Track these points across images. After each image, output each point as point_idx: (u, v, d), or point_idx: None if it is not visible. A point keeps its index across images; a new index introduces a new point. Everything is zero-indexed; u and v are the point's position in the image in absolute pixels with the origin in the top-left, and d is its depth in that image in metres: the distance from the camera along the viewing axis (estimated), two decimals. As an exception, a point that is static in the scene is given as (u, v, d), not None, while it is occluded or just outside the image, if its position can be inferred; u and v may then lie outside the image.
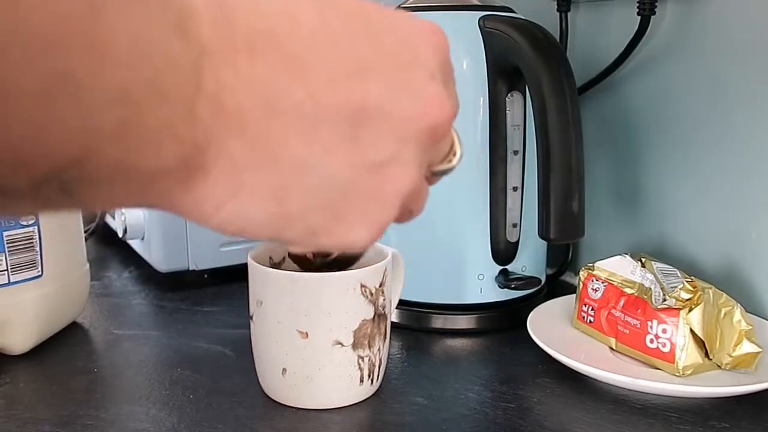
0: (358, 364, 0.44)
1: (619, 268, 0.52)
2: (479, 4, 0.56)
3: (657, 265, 0.52)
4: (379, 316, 0.45)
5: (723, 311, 0.47)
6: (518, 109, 0.56)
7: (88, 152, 0.18)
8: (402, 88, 0.23)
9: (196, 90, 0.19)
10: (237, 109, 0.20)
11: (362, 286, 0.43)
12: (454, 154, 0.28)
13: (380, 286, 0.45)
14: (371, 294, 0.44)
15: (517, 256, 0.57)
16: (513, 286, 0.56)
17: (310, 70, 0.21)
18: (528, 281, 0.57)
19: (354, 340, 0.44)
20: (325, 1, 0.23)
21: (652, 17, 0.60)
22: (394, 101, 0.23)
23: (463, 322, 0.58)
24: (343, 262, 0.44)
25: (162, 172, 0.20)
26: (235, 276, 0.66)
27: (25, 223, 0.51)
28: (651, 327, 0.47)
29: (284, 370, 0.44)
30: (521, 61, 0.51)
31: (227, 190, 0.22)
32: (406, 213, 0.28)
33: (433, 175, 0.28)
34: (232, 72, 0.20)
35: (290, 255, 0.45)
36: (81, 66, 0.16)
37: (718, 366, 0.47)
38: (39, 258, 0.52)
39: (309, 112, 0.21)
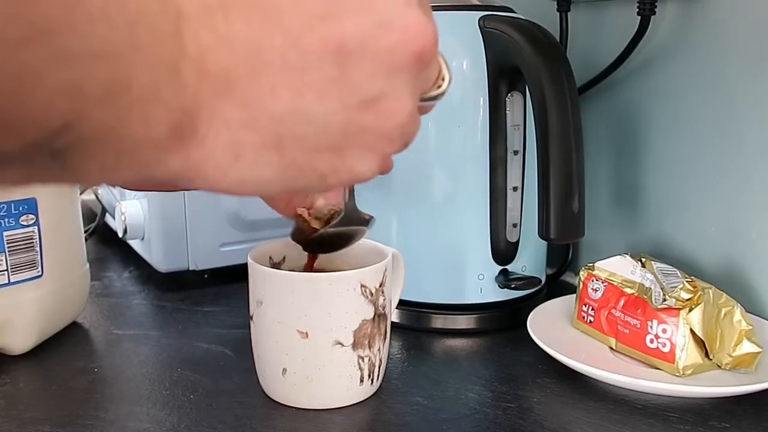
0: (358, 364, 0.44)
1: (619, 268, 0.52)
2: (479, 4, 0.56)
3: (657, 265, 0.52)
4: (379, 316, 0.45)
5: (723, 311, 0.47)
6: (518, 109, 0.56)
7: (75, 116, 0.18)
8: (379, 20, 0.23)
9: (179, 53, 0.20)
10: (222, 69, 0.21)
11: (362, 286, 0.43)
12: (443, 79, 0.28)
13: (380, 286, 0.45)
14: (371, 294, 0.44)
15: (517, 256, 0.57)
16: (513, 286, 0.56)
17: (285, 19, 0.21)
18: (528, 281, 0.57)
19: (354, 340, 0.44)
20: None
21: (652, 17, 0.60)
22: (374, 34, 0.23)
23: (463, 322, 0.58)
24: (344, 236, 0.44)
25: (154, 141, 0.20)
26: (235, 276, 0.66)
27: (25, 223, 0.51)
28: (651, 327, 0.47)
29: (284, 370, 0.44)
30: (521, 61, 0.51)
31: (228, 153, 0.22)
32: (402, 144, 0.28)
33: (423, 102, 0.28)
34: (211, 33, 0.20)
35: (292, 235, 0.45)
36: (56, 18, 0.17)
37: (718, 366, 0.47)
38: (39, 258, 0.52)
39: (293, 61, 0.22)
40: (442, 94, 0.28)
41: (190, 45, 0.20)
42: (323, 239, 0.43)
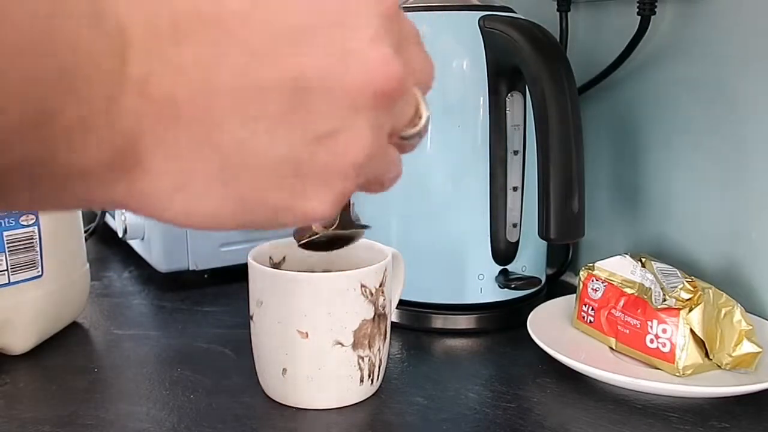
0: (358, 364, 0.44)
1: (619, 268, 0.52)
2: (479, 4, 0.56)
3: (657, 265, 0.52)
4: (379, 316, 0.45)
5: (723, 311, 0.47)
6: (518, 109, 0.56)
7: None
8: (341, 55, 0.22)
9: (119, 81, 0.19)
10: (167, 97, 0.20)
11: (362, 286, 0.43)
12: (420, 117, 0.26)
13: (380, 286, 0.45)
14: (371, 294, 0.44)
15: (517, 256, 0.57)
16: (513, 286, 0.56)
17: (240, 48, 0.20)
18: (528, 281, 0.57)
19: (354, 340, 0.44)
20: None
21: (652, 17, 0.60)
22: (333, 70, 0.22)
23: (463, 322, 0.58)
24: (344, 238, 0.44)
25: (90, 170, 0.19)
26: (235, 276, 0.66)
27: (25, 223, 0.51)
28: (651, 327, 0.47)
29: (284, 370, 0.44)
30: (521, 61, 0.51)
31: (173, 182, 0.21)
32: (374, 183, 0.27)
33: (402, 140, 0.27)
34: (158, 59, 0.19)
35: (294, 235, 0.45)
36: None
37: (718, 366, 0.47)
38: (39, 258, 0.52)
39: (243, 92, 0.21)
40: (419, 133, 0.27)
41: (134, 71, 0.19)
42: (321, 240, 0.43)
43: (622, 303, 0.50)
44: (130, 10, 0.19)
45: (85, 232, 0.75)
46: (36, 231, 0.51)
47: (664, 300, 0.48)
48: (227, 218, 0.23)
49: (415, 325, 0.58)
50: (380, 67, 0.23)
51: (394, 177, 0.28)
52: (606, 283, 0.52)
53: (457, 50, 0.55)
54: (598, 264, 0.54)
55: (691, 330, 0.46)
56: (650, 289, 0.49)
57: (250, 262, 0.45)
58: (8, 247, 0.50)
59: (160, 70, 0.19)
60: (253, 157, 0.22)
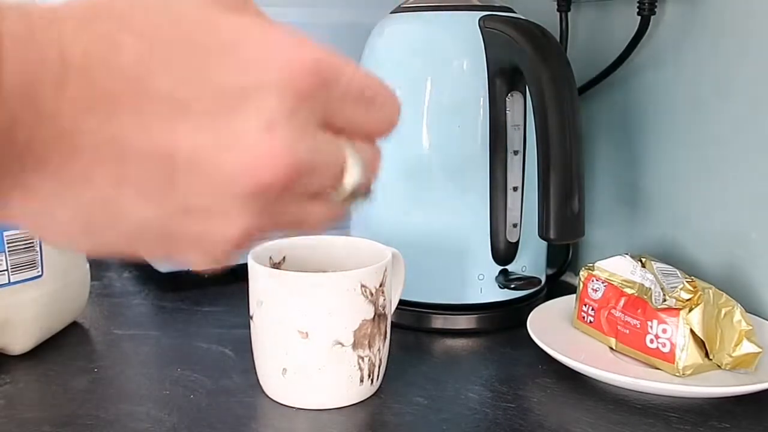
0: (358, 364, 0.44)
1: (619, 268, 0.52)
2: (479, 4, 0.56)
3: (657, 265, 0.52)
4: (380, 316, 0.45)
5: (723, 311, 0.47)
6: (518, 109, 0.56)
7: None
8: (225, 139, 0.20)
9: None
10: (33, 144, 0.19)
11: (362, 286, 0.43)
12: (340, 183, 0.24)
13: (380, 286, 0.45)
14: (371, 294, 0.44)
15: (517, 256, 0.57)
16: (513, 286, 0.56)
17: (119, 110, 0.20)
18: (528, 281, 0.57)
19: (354, 340, 0.44)
20: (159, 22, 0.20)
21: (652, 17, 0.60)
22: (211, 153, 0.20)
23: (464, 322, 0.58)
24: None
25: None
26: (236, 276, 0.66)
27: (25, 223, 0.51)
28: (651, 327, 0.47)
29: (284, 370, 0.44)
30: (521, 61, 0.51)
31: (39, 219, 0.21)
32: (284, 231, 0.26)
33: (334, 200, 0.25)
34: (32, 107, 0.19)
35: None
36: None
37: (718, 366, 0.47)
38: (39, 258, 0.52)
39: (114, 154, 0.20)
40: (349, 196, 0.25)
41: (1, 117, 0.19)
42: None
43: (622, 303, 0.50)
44: (15, 49, 0.19)
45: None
46: (36, 231, 0.51)
47: (664, 300, 0.48)
48: (99, 253, 0.23)
49: (415, 325, 0.58)
50: (265, 159, 0.21)
51: (315, 225, 0.26)
52: (606, 283, 0.52)
53: (457, 50, 0.55)
54: (598, 264, 0.54)
55: (691, 330, 0.46)
56: (650, 289, 0.49)
57: (251, 262, 0.45)
58: (8, 247, 0.50)
59: (31, 119, 0.19)
60: (117, 216, 0.21)
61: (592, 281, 0.53)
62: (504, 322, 0.58)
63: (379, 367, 0.46)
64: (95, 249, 0.23)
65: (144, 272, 0.72)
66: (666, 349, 0.47)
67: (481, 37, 0.54)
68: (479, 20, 0.54)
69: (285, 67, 0.21)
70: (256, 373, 0.47)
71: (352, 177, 0.25)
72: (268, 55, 0.21)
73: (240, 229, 0.22)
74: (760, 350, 0.46)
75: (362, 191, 0.26)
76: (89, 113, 0.20)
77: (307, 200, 0.24)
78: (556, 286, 0.67)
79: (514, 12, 0.57)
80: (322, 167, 0.23)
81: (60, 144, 0.20)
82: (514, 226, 0.57)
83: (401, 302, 0.52)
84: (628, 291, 0.50)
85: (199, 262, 0.23)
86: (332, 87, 0.23)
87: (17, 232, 0.50)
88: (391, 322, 0.48)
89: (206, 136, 0.20)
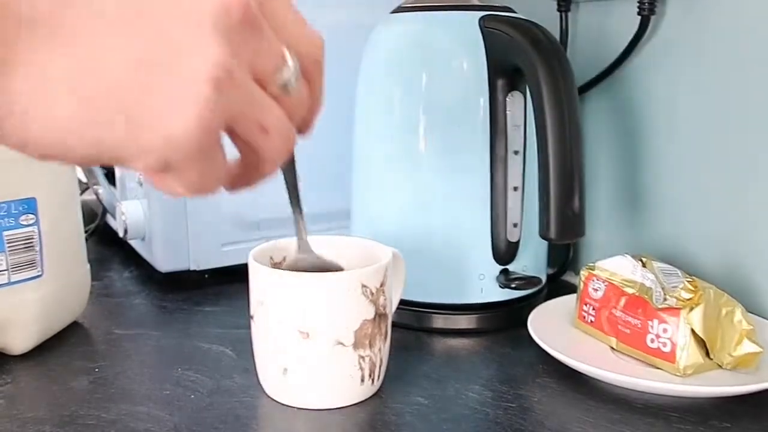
0: (359, 363, 0.44)
1: (619, 267, 0.52)
2: (479, 4, 0.56)
3: (658, 265, 0.52)
4: (380, 315, 0.45)
5: (724, 311, 0.47)
6: (518, 109, 0.56)
7: None
8: None
9: None
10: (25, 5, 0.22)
11: (363, 286, 0.43)
12: (286, 64, 0.28)
13: (381, 286, 0.45)
14: (372, 294, 0.44)
15: (517, 255, 0.57)
16: (514, 285, 0.56)
17: None
18: (529, 281, 0.57)
19: (355, 340, 0.44)
20: None
21: (653, 17, 0.60)
22: None
23: (464, 321, 0.58)
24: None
25: None
26: (236, 276, 0.66)
27: (25, 223, 0.51)
28: (652, 327, 0.47)
29: (285, 369, 0.44)
30: (521, 61, 0.51)
31: (30, 88, 0.23)
32: (247, 123, 0.27)
33: (278, 92, 0.27)
34: None
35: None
36: None
37: (719, 366, 0.47)
38: (39, 258, 0.52)
39: (98, 4, 0.23)
40: (287, 81, 0.28)
41: None
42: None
43: (622, 303, 0.50)
44: None
45: (86, 232, 0.75)
46: (36, 231, 0.51)
47: (665, 300, 0.48)
48: (80, 132, 0.24)
49: (415, 324, 0.58)
50: None
51: (276, 127, 0.28)
52: (607, 283, 0.52)
53: (457, 50, 0.55)
54: (598, 264, 0.54)
55: (692, 330, 0.46)
56: (651, 288, 0.49)
57: (251, 261, 0.45)
58: (8, 247, 0.50)
59: None
60: (104, 55, 0.23)
61: (593, 281, 0.53)
62: (504, 322, 0.58)
63: (380, 367, 0.46)
64: (90, 122, 0.24)
65: (144, 272, 0.72)
66: (667, 349, 0.47)
67: (481, 37, 0.54)
68: (479, 20, 0.54)
69: None
70: (256, 372, 0.47)
71: (290, 64, 0.28)
72: None
73: (212, 61, 0.24)
74: (760, 350, 0.46)
75: (300, 99, 0.29)
76: None
77: (264, 92, 0.27)
78: (556, 285, 0.67)
79: (515, 12, 0.57)
80: (266, 35, 0.26)
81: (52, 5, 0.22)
82: (515, 225, 0.57)
83: (402, 302, 0.52)
84: (629, 291, 0.50)
85: (180, 119, 0.24)
86: None
87: (17, 231, 0.50)
88: (392, 321, 0.48)
89: None
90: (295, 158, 0.39)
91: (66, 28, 0.23)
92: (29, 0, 0.22)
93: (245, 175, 0.29)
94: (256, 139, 0.28)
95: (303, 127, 0.31)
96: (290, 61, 0.28)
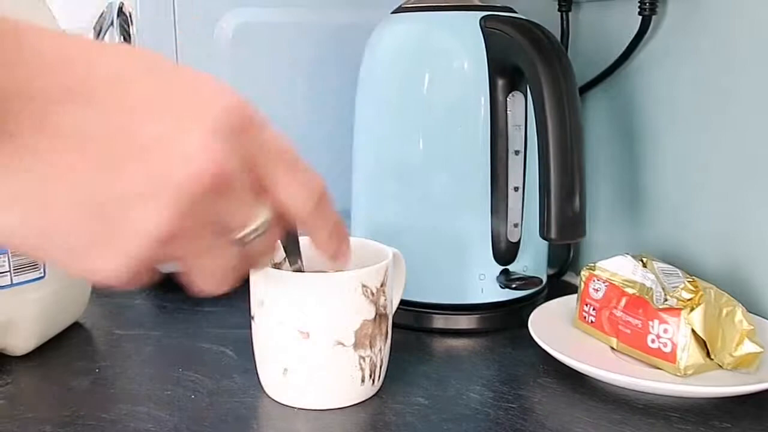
0: (359, 364, 0.44)
1: (620, 268, 0.52)
2: (480, 4, 0.56)
3: (658, 265, 0.52)
4: (381, 316, 0.45)
5: (724, 311, 0.47)
6: (519, 109, 0.56)
7: None
8: (176, 132, 0.25)
9: None
10: (7, 117, 0.23)
11: (363, 286, 0.43)
12: (247, 225, 0.29)
13: (381, 286, 0.45)
14: (372, 294, 0.44)
15: (518, 256, 0.57)
16: (514, 286, 0.56)
17: (92, 102, 0.24)
18: (529, 281, 0.57)
19: (355, 340, 0.44)
20: (133, 56, 0.26)
21: (654, 17, 0.60)
22: (163, 144, 0.25)
23: (465, 322, 0.58)
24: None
25: None
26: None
27: (26, 224, 0.51)
28: (652, 327, 0.47)
29: (285, 370, 0.44)
30: (522, 61, 0.51)
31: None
32: (195, 270, 0.30)
33: (236, 242, 0.29)
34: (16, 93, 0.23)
35: None
36: None
37: (720, 366, 0.47)
38: (40, 258, 0.52)
39: (80, 134, 0.24)
40: (246, 237, 0.29)
41: None
42: None
43: (623, 303, 0.50)
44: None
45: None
46: (37, 231, 0.51)
47: (666, 300, 0.48)
48: (28, 239, 0.25)
49: (416, 325, 0.58)
50: (205, 158, 0.25)
51: (222, 273, 0.30)
52: (607, 283, 0.52)
53: (457, 50, 0.55)
54: (599, 264, 0.54)
55: (693, 330, 0.46)
56: (651, 289, 0.49)
57: (251, 262, 0.45)
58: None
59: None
60: (74, 187, 0.25)
61: (594, 281, 0.53)
62: (505, 322, 0.58)
63: (380, 367, 0.46)
64: (39, 234, 0.25)
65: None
66: (667, 349, 0.47)
67: (482, 37, 0.54)
68: (480, 20, 0.54)
69: (227, 100, 0.27)
70: (257, 373, 0.47)
71: (255, 224, 0.29)
72: (211, 86, 0.27)
73: (165, 218, 0.25)
74: (761, 350, 0.46)
75: (261, 248, 0.30)
76: (63, 101, 0.24)
77: (218, 238, 0.29)
78: (557, 286, 0.67)
79: (515, 12, 0.57)
80: (238, 196, 0.28)
81: (31, 120, 0.23)
82: (515, 226, 0.57)
83: (402, 302, 0.52)
84: (630, 291, 0.50)
85: (108, 263, 0.26)
86: (258, 129, 0.28)
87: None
88: (392, 322, 0.48)
89: (164, 128, 0.25)
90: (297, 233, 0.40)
91: (43, 145, 0.24)
92: (15, 114, 0.23)
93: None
94: (191, 275, 0.30)
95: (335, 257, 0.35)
96: (255, 224, 0.29)
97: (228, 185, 0.26)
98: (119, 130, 0.25)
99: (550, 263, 0.64)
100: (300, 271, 0.44)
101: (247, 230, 0.29)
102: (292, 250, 0.43)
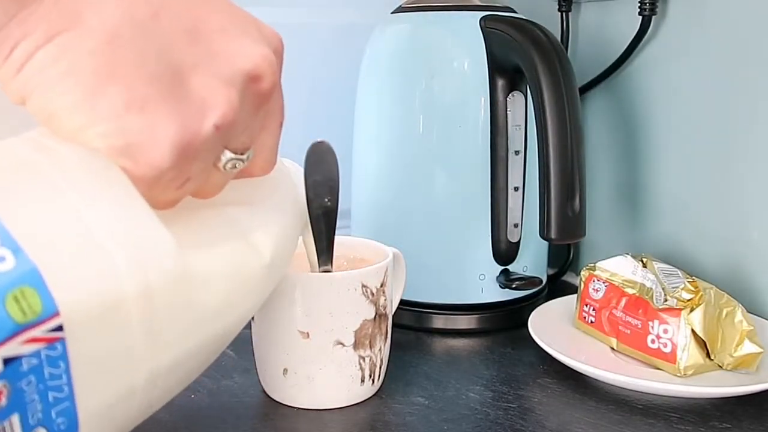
0: (359, 364, 0.44)
1: (620, 268, 0.52)
2: (480, 4, 0.56)
3: (658, 266, 0.52)
4: (380, 316, 0.45)
5: (724, 311, 0.47)
6: (519, 109, 0.56)
7: None
8: (241, 30, 0.27)
9: None
10: None
11: (363, 286, 0.43)
12: (243, 155, 0.29)
13: (381, 286, 0.45)
14: (372, 294, 0.44)
15: (518, 256, 0.57)
16: (514, 286, 0.56)
17: None
18: (529, 281, 0.57)
19: (355, 340, 0.44)
20: None
21: (654, 17, 0.60)
22: (232, 33, 0.27)
23: (464, 322, 0.58)
24: None
25: None
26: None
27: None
28: (652, 327, 0.47)
29: (285, 370, 0.44)
30: (522, 62, 0.51)
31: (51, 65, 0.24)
32: (195, 189, 0.29)
33: (224, 166, 0.29)
34: None
35: None
36: None
37: (720, 366, 0.47)
38: (40, 258, 0.52)
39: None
40: (232, 165, 0.29)
41: None
42: None
43: (623, 303, 0.50)
44: None
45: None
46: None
47: (666, 300, 0.48)
48: (75, 101, 0.24)
49: (415, 325, 0.58)
50: (264, 57, 0.27)
51: (208, 189, 0.30)
52: (607, 284, 0.52)
53: (458, 50, 0.55)
54: (599, 264, 0.54)
55: (693, 330, 0.46)
56: (651, 289, 0.49)
57: (251, 262, 0.45)
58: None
59: None
60: (136, 38, 0.25)
61: (594, 281, 0.53)
62: (505, 322, 0.58)
63: (380, 367, 0.46)
64: (89, 91, 0.24)
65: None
66: (667, 350, 0.47)
67: (482, 37, 0.54)
68: (480, 20, 0.54)
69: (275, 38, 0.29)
70: (257, 373, 0.47)
71: (246, 153, 0.29)
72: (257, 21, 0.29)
73: (225, 103, 0.26)
74: (761, 350, 0.46)
75: (223, 182, 0.30)
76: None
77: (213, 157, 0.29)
78: (557, 286, 0.67)
79: (515, 12, 0.57)
80: (255, 120, 0.29)
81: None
82: (515, 226, 0.57)
83: (402, 302, 0.52)
84: (629, 291, 0.50)
85: (171, 133, 0.25)
86: (279, 91, 0.30)
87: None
88: (392, 322, 0.48)
89: (230, 24, 0.27)
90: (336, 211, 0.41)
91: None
92: None
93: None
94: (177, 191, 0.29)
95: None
96: (246, 154, 0.29)
97: (267, 98, 0.28)
98: (195, 5, 0.26)
99: (550, 263, 0.64)
100: (327, 272, 0.44)
101: (242, 156, 0.29)
102: (325, 252, 0.43)
